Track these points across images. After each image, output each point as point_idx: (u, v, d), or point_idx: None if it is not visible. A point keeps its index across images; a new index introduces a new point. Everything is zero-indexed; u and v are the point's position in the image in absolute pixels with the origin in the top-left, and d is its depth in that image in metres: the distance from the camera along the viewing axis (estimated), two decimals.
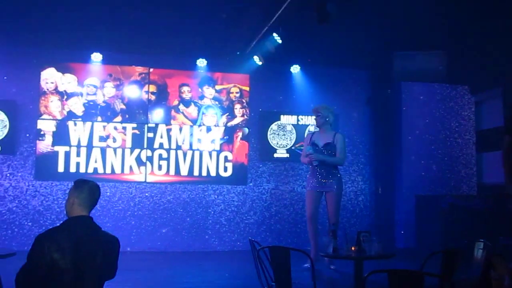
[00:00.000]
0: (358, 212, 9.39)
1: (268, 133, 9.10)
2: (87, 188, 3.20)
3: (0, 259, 4.26)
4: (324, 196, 6.79)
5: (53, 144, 8.38)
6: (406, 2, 6.72)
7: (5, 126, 8.25)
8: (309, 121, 9.21)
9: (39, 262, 2.95)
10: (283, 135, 9.15)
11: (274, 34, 7.41)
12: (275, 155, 9.11)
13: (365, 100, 9.56)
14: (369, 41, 8.14)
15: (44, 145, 8.36)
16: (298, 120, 9.22)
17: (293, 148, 9.15)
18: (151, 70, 8.80)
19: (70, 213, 3.17)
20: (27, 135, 8.42)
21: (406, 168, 8.73)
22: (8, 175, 8.31)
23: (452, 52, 8.66)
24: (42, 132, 8.35)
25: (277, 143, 9.12)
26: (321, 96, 9.25)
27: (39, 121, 8.36)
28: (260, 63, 8.72)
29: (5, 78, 8.42)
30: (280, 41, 7.47)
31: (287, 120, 9.18)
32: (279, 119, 9.16)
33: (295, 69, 9.21)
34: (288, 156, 9.15)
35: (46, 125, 8.38)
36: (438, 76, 8.84)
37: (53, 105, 8.44)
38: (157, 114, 8.77)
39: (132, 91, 8.74)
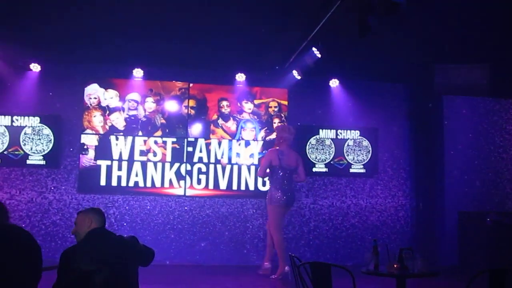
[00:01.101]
0: (399, 228, 9.21)
1: (307, 147, 9.06)
2: (98, 211, 3.54)
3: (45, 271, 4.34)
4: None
5: (96, 158, 8.56)
6: (446, 15, 6.62)
7: (50, 140, 8.48)
8: (348, 135, 9.14)
9: (69, 276, 3.15)
10: (321, 149, 9.09)
11: (314, 49, 7.41)
12: (314, 170, 9.06)
13: (405, 114, 9.42)
14: (409, 54, 8.03)
15: (87, 159, 8.55)
16: (337, 134, 9.15)
17: (331, 162, 9.08)
18: (191, 85, 8.92)
19: (85, 232, 3.41)
20: (71, 149, 8.63)
21: (448, 183, 8.54)
22: (52, 188, 8.52)
23: (496, 65, 8.46)
24: (85, 146, 8.55)
25: (316, 158, 9.07)
26: (360, 110, 9.22)
27: (82, 136, 8.56)
28: (299, 77, 8.72)
29: (51, 94, 8.68)
30: (319, 55, 7.45)
31: (326, 134, 9.13)
32: (317, 133, 9.12)
33: (334, 83, 9.17)
34: (327, 170, 9.09)
35: (89, 140, 8.58)
36: (481, 90, 8.65)
37: (96, 120, 8.64)
38: (196, 129, 8.86)
39: (172, 106, 8.86)
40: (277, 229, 7.23)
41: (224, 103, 8.97)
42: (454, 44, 7.66)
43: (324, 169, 9.08)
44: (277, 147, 7.54)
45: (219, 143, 8.87)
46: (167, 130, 8.79)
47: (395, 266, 4.71)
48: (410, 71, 8.82)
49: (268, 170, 7.43)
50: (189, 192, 8.70)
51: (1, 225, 3.19)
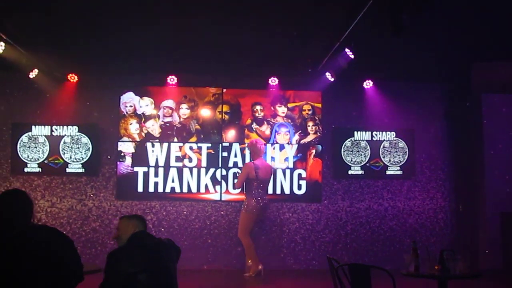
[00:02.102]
0: (438, 231, 9.02)
1: (342, 149, 8.99)
2: (140, 218, 3.75)
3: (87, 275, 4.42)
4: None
5: (133, 165, 8.69)
6: (483, 11, 6.47)
7: (88, 148, 8.65)
8: (384, 137, 9.02)
9: (116, 276, 3.29)
10: (357, 151, 9.00)
11: (346, 50, 7.35)
12: (350, 172, 8.97)
13: (442, 114, 9.24)
14: (444, 53, 7.89)
15: (124, 166, 8.69)
16: (372, 136, 9.05)
17: (367, 164, 8.98)
18: (225, 90, 8.98)
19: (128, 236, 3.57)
20: (108, 156, 8.79)
21: (489, 184, 8.33)
22: (92, 195, 8.69)
23: None
24: (122, 154, 8.69)
25: (351, 160, 8.98)
26: (395, 111, 9.10)
27: (119, 143, 8.71)
28: (332, 79, 8.67)
29: (88, 103, 8.87)
30: (352, 56, 7.39)
31: (361, 136, 9.04)
32: (352, 135, 9.03)
33: (368, 84, 9.07)
34: (363, 173, 8.98)
35: (126, 147, 8.72)
36: None
37: (132, 127, 8.78)
38: (231, 134, 8.90)
39: (206, 112, 8.94)
40: (247, 234, 7.85)
41: (258, 107, 8.99)
42: (492, 40, 7.48)
43: (360, 172, 8.99)
44: (253, 161, 8.00)
45: None
46: (201, 136, 8.86)
47: (436, 267, 4.61)
48: (446, 69, 8.66)
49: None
50: (225, 197, 8.73)
51: (20, 230, 3.10)
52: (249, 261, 7.86)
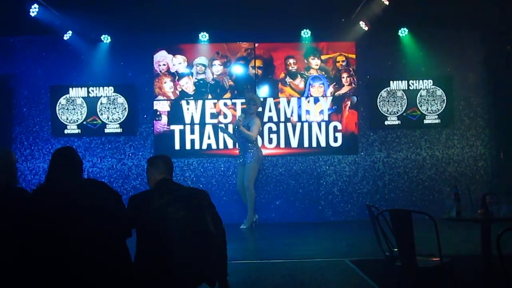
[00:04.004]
0: (478, 179, 8.90)
1: (378, 100, 8.86)
2: (161, 161, 3.72)
3: None
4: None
5: (169, 123, 8.78)
6: None
7: (125, 108, 8.77)
8: (420, 86, 8.84)
9: (143, 214, 3.43)
10: (393, 101, 8.86)
11: None
12: (386, 123, 8.86)
13: (481, 60, 8.96)
14: None
15: (161, 125, 8.79)
16: (408, 85, 8.87)
17: (404, 114, 8.84)
18: (257, 45, 8.90)
19: (155, 182, 3.66)
20: (145, 116, 8.89)
21: None
22: (131, 154, 8.86)
23: None
24: (158, 113, 8.78)
25: (388, 110, 8.86)
26: (432, 58, 8.90)
27: (154, 102, 8.79)
28: (366, 28, 8.47)
29: (122, 63, 8.93)
30: (387, 3, 7.18)
31: (397, 85, 8.88)
32: (388, 85, 8.87)
33: (403, 32, 8.83)
34: (400, 123, 8.87)
35: (162, 106, 8.80)
36: None
37: (167, 86, 8.83)
38: (264, 88, 8.87)
39: (239, 67, 8.90)
40: (253, 183, 8.01)
41: (291, 60, 8.89)
42: None
43: (397, 122, 8.87)
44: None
45: (288, 102, 8.84)
46: (236, 92, 8.86)
47: (479, 211, 4.56)
48: (484, 14, 8.33)
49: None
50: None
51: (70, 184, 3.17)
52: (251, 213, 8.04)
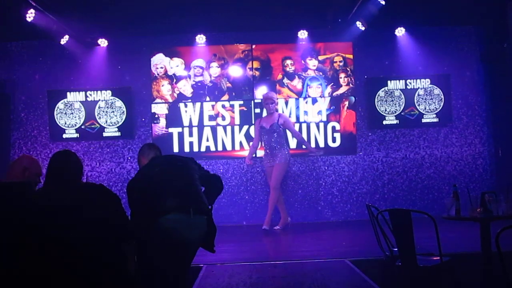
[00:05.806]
0: (478, 177, 8.91)
1: (376, 100, 8.87)
2: (146, 146, 4.29)
3: None
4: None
5: (167, 126, 8.78)
6: None
7: (123, 112, 8.77)
8: (418, 85, 8.85)
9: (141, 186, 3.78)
10: (391, 101, 8.87)
11: None
12: (384, 122, 8.87)
13: (478, 58, 8.97)
14: None
15: (159, 128, 8.79)
16: (406, 85, 8.88)
17: (402, 114, 8.85)
18: (254, 46, 8.90)
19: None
20: (143, 119, 8.90)
21: None
22: (129, 158, 8.86)
23: None
24: (156, 116, 8.78)
25: (386, 110, 8.87)
26: (429, 57, 8.91)
27: (152, 105, 8.79)
28: (363, 28, 8.48)
29: (119, 67, 8.93)
30: (383, 2, 7.19)
31: (395, 85, 8.88)
32: (386, 85, 8.88)
33: (400, 31, 8.84)
34: (398, 122, 8.87)
35: (159, 109, 8.80)
36: None
37: (164, 89, 8.83)
38: (262, 90, 8.87)
39: (237, 69, 8.90)
40: (280, 185, 7.99)
41: (288, 62, 8.90)
42: None
43: (395, 121, 8.87)
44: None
45: (286, 103, 8.84)
46: (233, 94, 8.86)
47: (478, 210, 4.56)
48: (481, 11, 8.34)
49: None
50: (260, 153, 8.74)
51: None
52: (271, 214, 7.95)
